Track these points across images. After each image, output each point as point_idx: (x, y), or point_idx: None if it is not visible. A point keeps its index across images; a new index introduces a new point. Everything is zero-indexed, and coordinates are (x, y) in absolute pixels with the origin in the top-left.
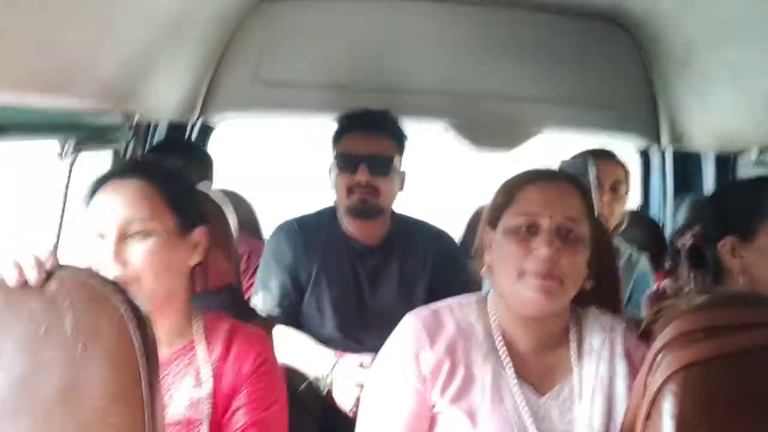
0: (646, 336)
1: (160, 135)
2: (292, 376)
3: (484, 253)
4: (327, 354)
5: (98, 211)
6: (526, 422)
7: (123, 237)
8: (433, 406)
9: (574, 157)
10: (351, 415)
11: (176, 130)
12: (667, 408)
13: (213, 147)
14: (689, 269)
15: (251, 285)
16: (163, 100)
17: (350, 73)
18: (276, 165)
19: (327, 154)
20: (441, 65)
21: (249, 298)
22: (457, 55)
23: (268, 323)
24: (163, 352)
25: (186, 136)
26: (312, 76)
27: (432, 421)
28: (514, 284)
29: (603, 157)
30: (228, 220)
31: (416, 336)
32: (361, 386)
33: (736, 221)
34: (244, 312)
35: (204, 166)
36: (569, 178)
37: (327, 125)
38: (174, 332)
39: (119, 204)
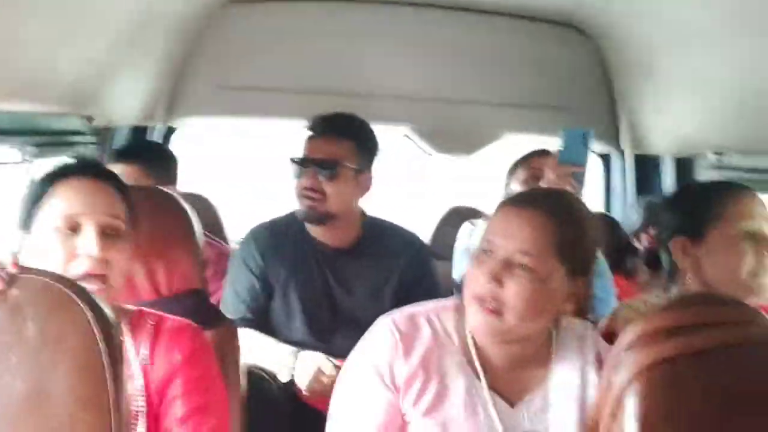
0: (608, 337)
1: (121, 139)
2: (260, 377)
3: None
4: (292, 349)
5: (71, 204)
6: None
7: (100, 232)
8: (405, 415)
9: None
10: (307, 394)
11: (139, 133)
12: (632, 407)
13: (176, 150)
14: (647, 269)
15: (219, 289)
16: (124, 104)
17: (313, 78)
18: (242, 169)
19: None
20: (402, 70)
21: (219, 302)
22: (418, 60)
23: (235, 327)
24: None
25: (149, 139)
26: (275, 80)
27: (402, 429)
28: (467, 307)
29: (548, 154)
30: (192, 224)
31: (391, 344)
32: (319, 368)
33: (687, 222)
34: (210, 317)
35: (169, 168)
36: (549, 209)
37: (289, 129)
38: None
39: (99, 198)
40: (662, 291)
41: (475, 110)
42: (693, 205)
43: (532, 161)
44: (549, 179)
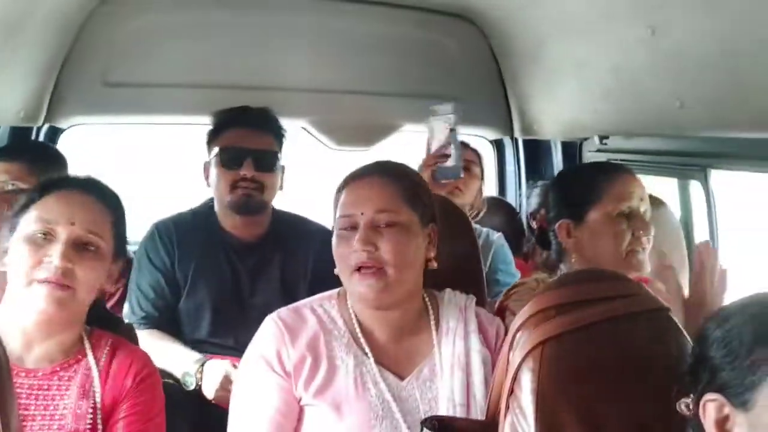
0: (500, 312)
1: (2, 140)
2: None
3: None
4: (196, 354)
5: (49, 211)
6: (391, 406)
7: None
8: (300, 400)
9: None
10: (215, 401)
11: (20, 134)
12: (527, 383)
13: (66, 151)
14: (541, 249)
15: (119, 290)
16: (1, 105)
17: (207, 73)
18: (137, 168)
19: (186, 156)
20: (299, 63)
21: (115, 304)
22: (314, 53)
23: (133, 332)
24: (44, 366)
25: (32, 139)
26: (168, 77)
27: (300, 413)
28: (348, 281)
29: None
30: None
31: (277, 335)
32: (226, 376)
33: (570, 205)
34: (107, 322)
35: (57, 167)
36: (384, 170)
37: (185, 125)
38: (63, 345)
39: (80, 211)
40: (552, 270)
41: (373, 102)
42: (574, 189)
43: None
44: None
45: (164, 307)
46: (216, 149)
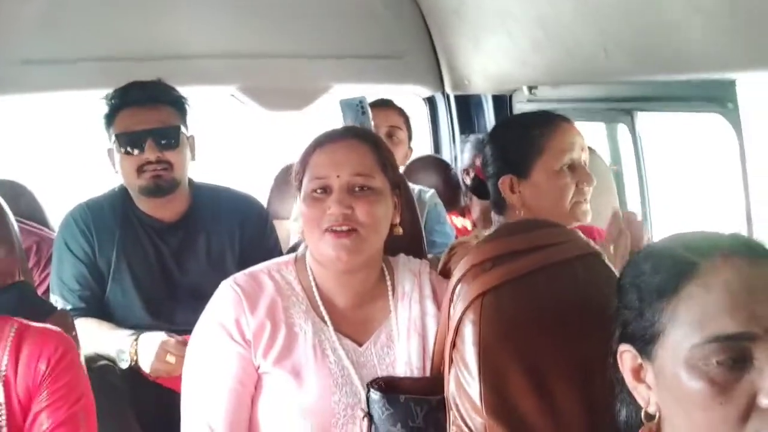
0: (445, 274)
1: None
2: (102, 365)
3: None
4: (129, 332)
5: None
6: (350, 372)
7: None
8: (258, 368)
9: (351, 99)
10: (153, 374)
11: None
12: (468, 335)
13: None
14: (477, 200)
15: (46, 278)
16: None
17: (124, 44)
18: (50, 148)
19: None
20: (224, 29)
21: (45, 292)
22: (239, 18)
23: (68, 318)
24: None
25: None
26: (83, 51)
27: (258, 382)
28: (318, 243)
29: (378, 105)
30: (4, 211)
31: (236, 301)
32: (162, 347)
33: (512, 159)
34: (38, 309)
35: None
36: (358, 134)
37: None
38: None
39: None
40: (488, 223)
41: (302, 64)
42: (513, 143)
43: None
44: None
45: (91, 297)
46: (114, 135)
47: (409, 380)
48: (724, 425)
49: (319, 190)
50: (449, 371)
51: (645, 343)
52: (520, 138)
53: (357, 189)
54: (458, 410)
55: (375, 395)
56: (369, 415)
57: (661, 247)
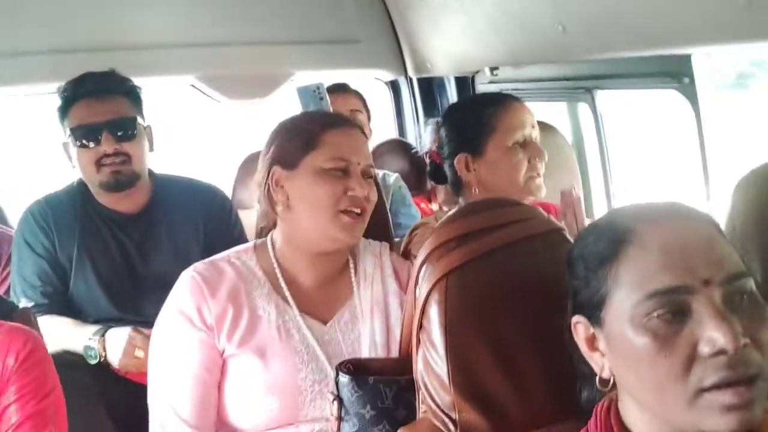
0: (406, 255)
1: None
2: (69, 361)
3: (272, 192)
4: (96, 329)
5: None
6: (315, 350)
7: None
8: (223, 352)
9: (308, 86)
10: (133, 376)
11: None
12: (435, 316)
13: None
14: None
15: (6, 277)
16: None
17: (76, 36)
18: (4, 145)
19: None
20: (183, 19)
21: (7, 292)
22: (197, 7)
23: (30, 316)
24: None
25: None
26: (28, 43)
27: (224, 366)
28: (327, 223)
29: (335, 89)
30: None
31: (196, 289)
32: (130, 342)
33: (466, 138)
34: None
35: None
36: (354, 124)
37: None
38: None
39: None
40: (453, 205)
41: (262, 51)
42: (466, 122)
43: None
44: None
45: (53, 293)
46: (68, 128)
47: (377, 362)
48: (670, 376)
49: (339, 170)
50: (417, 352)
51: (593, 310)
52: (473, 118)
53: (365, 177)
54: (427, 389)
55: (344, 378)
56: (339, 398)
57: (603, 219)
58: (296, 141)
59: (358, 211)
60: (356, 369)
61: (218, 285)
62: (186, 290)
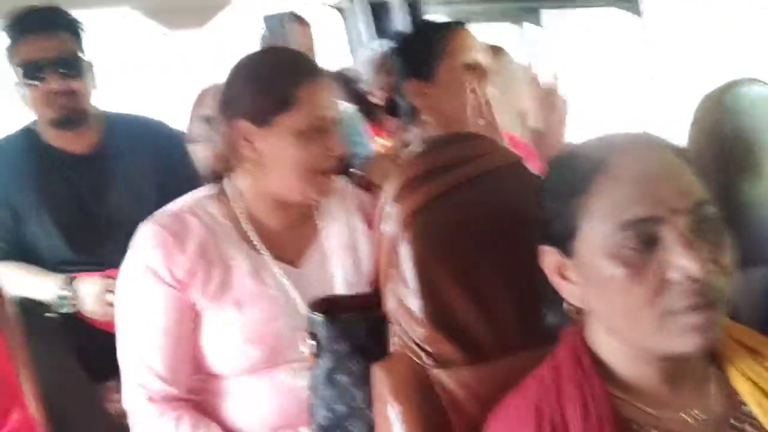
0: (368, 187)
1: None
2: (35, 309)
3: (238, 146)
4: (64, 277)
5: None
6: (291, 293)
7: None
8: (195, 305)
9: (272, 16)
10: (106, 324)
11: None
12: (405, 253)
13: None
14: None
15: None
16: None
17: None
18: None
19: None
20: None
21: None
22: None
23: None
24: None
25: None
26: None
27: (197, 318)
28: (302, 183)
29: (295, 21)
30: None
31: (162, 243)
32: (102, 289)
33: (416, 63)
34: None
35: None
36: (322, 71)
37: None
38: None
39: None
40: (406, 132)
41: None
42: (416, 49)
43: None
44: None
45: (8, 239)
46: (16, 66)
47: (349, 298)
48: (641, 303)
49: (316, 129)
50: (388, 287)
51: (565, 241)
52: (422, 44)
53: (336, 128)
54: (400, 324)
55: (317, 317)
56: (313, 335)
57: (573, 150)
58: (268, 97)
59: (333, 169)
60: (329, 307)
61: (185, 239)
62: (150, 244)
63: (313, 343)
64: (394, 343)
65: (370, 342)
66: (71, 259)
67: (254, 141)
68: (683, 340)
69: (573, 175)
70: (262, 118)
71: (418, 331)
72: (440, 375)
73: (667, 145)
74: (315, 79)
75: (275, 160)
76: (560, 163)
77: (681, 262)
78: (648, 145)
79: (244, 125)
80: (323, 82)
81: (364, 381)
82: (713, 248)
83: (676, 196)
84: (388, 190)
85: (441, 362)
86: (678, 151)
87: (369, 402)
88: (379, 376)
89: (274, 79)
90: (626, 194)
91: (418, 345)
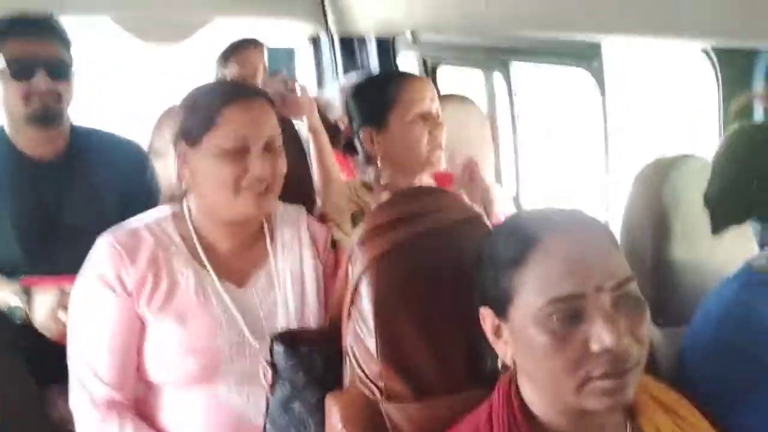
0: (322, 219)
1: None
2: None
3: (179, 167)
4: (12, 283)
5: None
6: (233, 313)
7: None
8: (141, 316)
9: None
10: (57, 338)
11: None
12: (366, 294)
13: None
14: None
15: None
16: None
17: None
18: None
19: None
20: None
21: None
22: None
23: None
24: None
25: None
26: None
27: (143, 330)
28: (233, 202)
29: (245, 46)
30: None
31: (115, 257)
32: (57, 304)
33: (370, 113)
34: None
35: None
36: (257, 92)
37: None
38: None
39: None
40: (363, 173)
41: None
42: (370, 98)
43: (243, 53)
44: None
45: None
46: (3, 59)
47: (309, 332)
48: (563, 368)
49: (238, 150)
50: (347, 325)
51: (501, 306)
52: (376, 93)
53: (274, 148)
54: (356, 359)
55: (278, 347)
56: (273, 365)
57: (513, 223)
58: (198, 116)
59: (261, 189)
60: (291, 339)
61: (137, 252)
62: (104, 257)
63: (272, 371)
64: (349, 376)
65: (327, 374)
66: (25, 264)
67: (190, 162)
68: (598, 401)
69: (510, 247)
70: (192, 138)
71: (372, 367)
72: (390, 409)
73: (597, 226)
74: (242, 100)
75: (205, 178)
76: (499, 234)
77: (601, 335)
78: (581, 225)
79: (182, 146)
80: (252, 104)
81: (318, 411)
82: (632, 322)
83: (602, 276)
84: (358, 231)
85: (391, 397)
86: (607, 232)
87: (322, 431)
88: (332, 407)
89: (203, 100)
90: (557, 271)
91: (370, 380)
